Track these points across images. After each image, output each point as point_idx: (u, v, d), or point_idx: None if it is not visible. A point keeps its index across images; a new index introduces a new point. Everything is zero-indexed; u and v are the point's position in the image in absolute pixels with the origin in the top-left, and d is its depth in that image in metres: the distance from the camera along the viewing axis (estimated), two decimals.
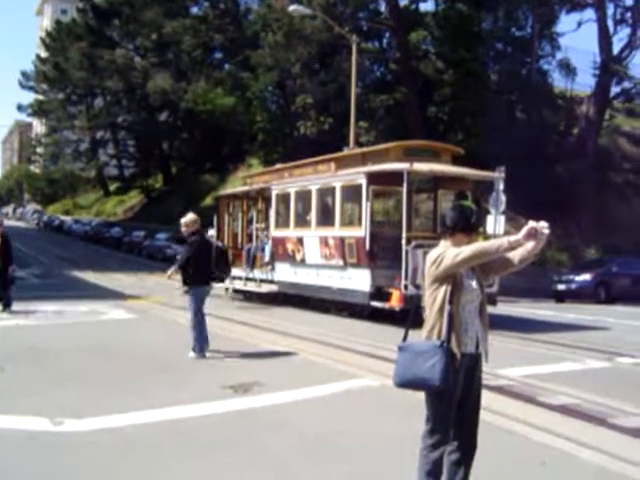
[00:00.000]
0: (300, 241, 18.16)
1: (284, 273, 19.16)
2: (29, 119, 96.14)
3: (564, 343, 12.96)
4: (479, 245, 4.30)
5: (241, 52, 45.54)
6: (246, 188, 22.59)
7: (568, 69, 40.77)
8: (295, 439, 6.36)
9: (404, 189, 14.87)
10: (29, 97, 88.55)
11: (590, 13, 36.89)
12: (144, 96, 57.85)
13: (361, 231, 15.62)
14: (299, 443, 6.25)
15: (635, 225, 33.86)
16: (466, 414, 4.47)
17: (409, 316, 4.67)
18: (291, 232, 18.74)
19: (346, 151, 19.19)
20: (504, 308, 19.01)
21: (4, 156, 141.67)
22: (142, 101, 60.52)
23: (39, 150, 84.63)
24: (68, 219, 70.99)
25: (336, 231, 16.70)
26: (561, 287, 25.79)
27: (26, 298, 17.51)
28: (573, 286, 25.45)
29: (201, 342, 10.44)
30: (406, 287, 14.36)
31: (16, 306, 15.86)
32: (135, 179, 72.25)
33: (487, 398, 7.55)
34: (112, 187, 79.70)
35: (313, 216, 17.85)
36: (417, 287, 13.77)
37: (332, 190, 17.05)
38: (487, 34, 36.99)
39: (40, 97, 73.95)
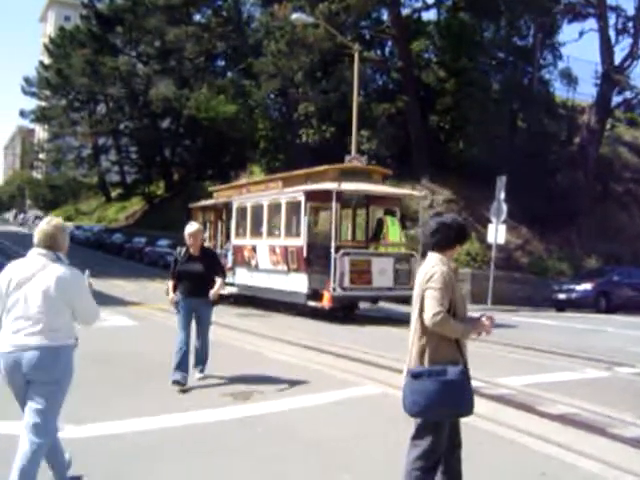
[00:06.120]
0: (254, 249, 20.56)
1: (242, 277, 21.46)
2: (31, 125, 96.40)
3: (564, 352, 12.97)
4: (457, 326, 4.31)
5: (243, 60, 45.54)
6: (213, 201, 25.18)
7: (570, 78, 40.81)
8: (295, 447, 6.38)
9: (333, 205, 17.23)
10: (32, 103, 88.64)
11: (592, 23, 36.74)
12: (146, 103, 57.86)
13: (300, 241, 18.02)
14: (299, 451, 6.26)
15: (635, 235, 33.93)
16: (453, 434, 4.54)
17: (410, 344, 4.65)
18: (247, 241, 21.16)
19: (294, 172, 20.92)
20: (504, 317, 19.03)
21: (6, 162, 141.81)
22: (144, 108, 60.49)
23: (41, 156, 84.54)
24: (70, 225, 71.01)
25: (281, 241, 19.17)
26: (561, 296, 25.78)
27: None
28: (574, 295, 25.43)
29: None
30: (334, 289, 16.85)
31: None
32: (137, 185, 72.16)
33: (487, 407, 7.59)
34: (114, 193, 79.67)
35: (264, 227, 20.24)
36: (344, 289, 16.92)
37: (279, 205, 19.45)
38: (489, 43, 37.03)
39: (42, 103, 73.90)
